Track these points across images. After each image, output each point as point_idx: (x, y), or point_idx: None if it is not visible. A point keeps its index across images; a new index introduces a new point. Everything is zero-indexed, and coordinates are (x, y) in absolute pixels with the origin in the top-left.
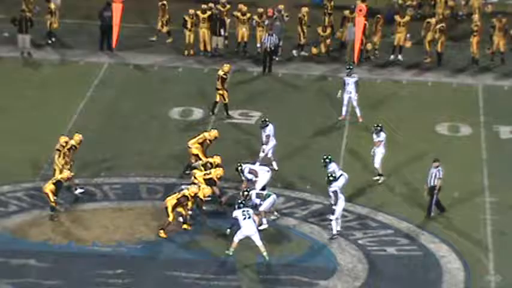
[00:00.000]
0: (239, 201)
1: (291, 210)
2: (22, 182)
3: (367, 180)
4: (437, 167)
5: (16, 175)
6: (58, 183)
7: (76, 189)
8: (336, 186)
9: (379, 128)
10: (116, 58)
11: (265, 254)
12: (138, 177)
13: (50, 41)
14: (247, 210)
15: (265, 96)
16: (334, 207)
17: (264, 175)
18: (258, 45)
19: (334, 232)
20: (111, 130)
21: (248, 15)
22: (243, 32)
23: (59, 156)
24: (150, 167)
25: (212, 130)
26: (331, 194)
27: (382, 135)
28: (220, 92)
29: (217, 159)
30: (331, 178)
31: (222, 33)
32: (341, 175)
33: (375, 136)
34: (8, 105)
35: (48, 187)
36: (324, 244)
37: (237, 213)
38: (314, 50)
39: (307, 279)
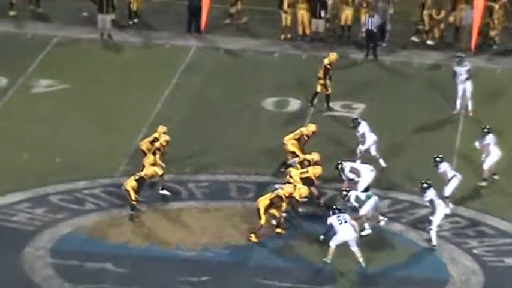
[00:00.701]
0: (334, 206)
1: (398, 215)
2: (99, 177)
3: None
4: None
5: (93, 170)
6: (141, 180)
7: (162, 188)
8: (430, 195)
9: (486, 130)
10: (205, 41)
11: (361, 260)
12: (227, 174)
13: (132, 22)
14: (343, 215)
15: (370, 87)
16: (431, 217)
17: (367, 174)
18: (362, 29)
19: (434, 243)
20: (198, 121)
21: None
22: (346, 14)
23: (149, 151)
24: (240, 163)
25: (310, 124)
26: (427, 203)
27: (489, 138)
28: (322, 81)
29: (315, 156)
30: (424, 186)
31: (323, 15)
32: (453, 176)
33: (477, 144)
34: (85, 91)
35: (130, 184)
36: (434, 253)
37: (332, 220)
38: (425, 36)
39: None
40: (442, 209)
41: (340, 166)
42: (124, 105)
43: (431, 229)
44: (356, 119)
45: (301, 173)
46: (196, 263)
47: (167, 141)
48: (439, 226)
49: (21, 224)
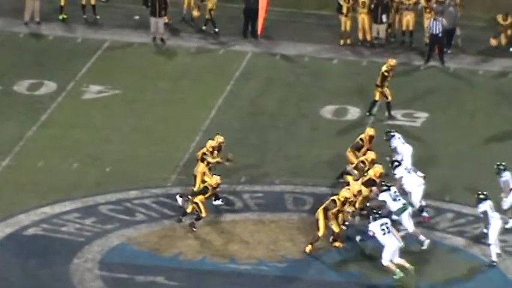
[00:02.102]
0: (375, 211)
1: (461, 229)
2: (151, 187)
3: None
4: None
5: (144, 179)
6: (205, 190)
7: (216, 199)
8: (485, 207)
9: (502, 167)
10: (261, 47)
11: (408, 265)
12: (283, 185)
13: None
14: (386, 223)
15: (433, 95)
16: (485, 230)
17: (417, 189)
18: (426, 33)
19: (494, 259)
20: (254, 130)
21: None
22: (407, 19)
23: (202, 162)
24: (297, 174)
25: (369, 128)
26: (480, 215)
27: (507, 175)
28: (380, 89)
29: (371, 155)
30: (481, 197)
31: (384, 19)
32: None
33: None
34: (136, 98)
35: (198, 197)
36: (500, 270)
37: (375, 228)
38: (493, 42)
39: None
40: (498, 223)
41: (392, 164)
42: (177, 113)
43: (490, 244)
44: (390, 131)
45: (362, 178)
46: (250, 278)
47: (212, 147)
48: (504, 241)
49: (70, 234)
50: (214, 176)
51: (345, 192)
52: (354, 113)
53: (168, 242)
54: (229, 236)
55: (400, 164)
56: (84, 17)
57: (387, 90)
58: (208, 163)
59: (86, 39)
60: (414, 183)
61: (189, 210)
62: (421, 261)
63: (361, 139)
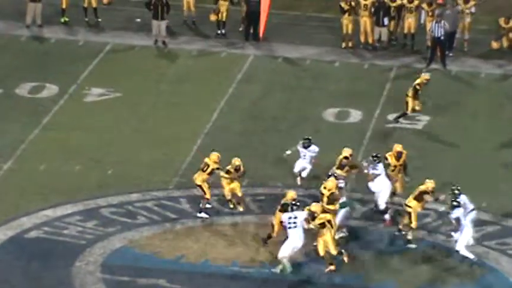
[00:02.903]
0: (288, 202)
1: None
2: (153, 190)
3: None
4: None
5: (146, 182)
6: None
7: (201, 211)
8: (458, 212)
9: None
10: (263, 49)
11: (280, 266)
12: (285, 188)
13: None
14: (295, 217)
15: (435, 98)
16: (454, 235)
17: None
18: (427, 37)
19: (471, 257)
20: (255, 132)
21: (416, 2)
22: (409, 22)
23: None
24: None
25: (396, 145)
26: (452, 220)
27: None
28: (411, 101)
29: (348, 151)
30: (454, 203)
31: (386, 22)
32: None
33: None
34: (138, 101)
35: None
36: (502, 272)
37: (284, 217)
38: (495, 45)
39: None
40: (469, 231)
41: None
42: (178, 115)
43: (457, 251)
44: (309, 139)
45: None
46: (253, 281)
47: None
48: (506, 244)
49: (72, 237)
50: (290, 190)
51: (313, 206)
52: (355, 115)
53: (170, 245)
54: (231, 239)
55: (380, 161)
56: (86, 20)
57: (411, 101)
58: (211, 173)
59: (88, 42)
60: (383, 184)
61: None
62: (423, 264)
63: (385, 157)
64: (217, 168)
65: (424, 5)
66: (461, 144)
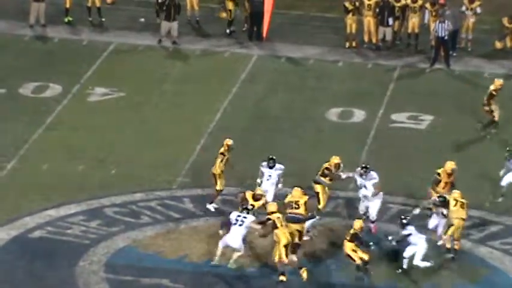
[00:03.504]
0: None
1: (466, 231)
2: (156, 189)
3: None
4: None
5: (149, 182)
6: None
7: (211, 202)
8: (410, 230)
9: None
10: (266, 49)
11: (231, 261)
12: (287, 187)
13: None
14: (244, 217)
15: (438, 97)
16: (394, 243)
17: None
18: (431, 37)
19: (427, 264)
20: (258, 132)
21: (420, 2)
22: (413, 21)
23: (221, 161)
24: (302, 176)
25: (449, 163)
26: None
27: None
28: (487, 108)
29: (335, 159)
30: (404, 221)
31: (391, 22)
32: None
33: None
34: (141, 100)
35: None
36: (504, 272)
37: (233, 215)
38: (498, 45)
39: None
40: (423, 243)
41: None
42: (182, 115)
43: (417, 266)
44: (273, 159)
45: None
46: (255, 279)
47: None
48: (509, 243)
49: (76, 237)
50: (357, 220)
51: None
52: (359, 115)
53: (173, 245)
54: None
55: (370, 171)
56: (89, 20)
57: (494, 108)
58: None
59: (92, 42)
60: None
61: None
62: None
63: (438, 173)
64: (222, 153)
65: (428, 5)
66: (465, 144)
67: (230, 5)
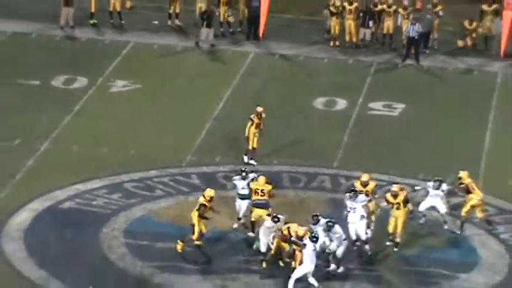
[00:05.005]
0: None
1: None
2: (169, 167)
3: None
4: None
5: (162, 161)
6: None
7: (251, 158)
8: (317, 228)
9: (353, 193)
10: (262, 48)
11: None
12: (281, 165)
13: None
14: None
15: (409, 89)
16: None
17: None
18: (403, 36)
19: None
20: None
21: (394, 7)
22: (388, 24)
23: (251, 125)
24: (293, 156)
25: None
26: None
27: (361, 199)
28: None
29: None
30: (313, 238)
31: (371, 25)
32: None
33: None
34: (155, 91)
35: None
36: (465, 238)
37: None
38: (460, 44)
39: (448, 272)
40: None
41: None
42: (190, 104)
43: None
44: (355, 190)
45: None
46: (251, 243)
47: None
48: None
49: (100, 207)
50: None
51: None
52: (341, 104)
53: (183, 214)
54: (234, 209)
55: (358, 194)
56: (111, 22)
57: None
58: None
59: (113, 41)
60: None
61: None
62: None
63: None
64: (251, 119)
65: (401, 10)
66: (432, 128)
67: (223, 11)
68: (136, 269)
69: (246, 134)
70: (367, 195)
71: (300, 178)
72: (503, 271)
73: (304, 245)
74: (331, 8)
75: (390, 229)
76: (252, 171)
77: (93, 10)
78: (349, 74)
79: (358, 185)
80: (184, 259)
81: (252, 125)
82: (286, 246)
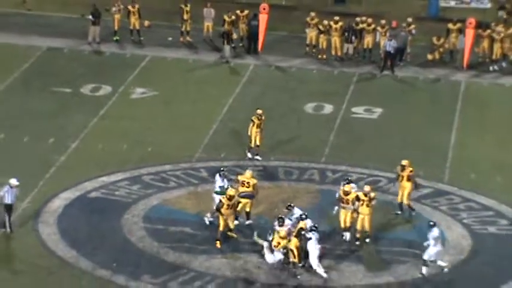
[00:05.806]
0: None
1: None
2: (181, 162)
3: (474, 170)
4: None
5: (176, 157)
6: None
7: (257, 154)
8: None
9: (290, 208)
10: (261, 60)
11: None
12: (277, 161)
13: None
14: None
15: (386, 95)
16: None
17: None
18: (381, 50)
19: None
20: None
21: (373, 26)
22: (368, 40)
23: (252, 125)
24: (287, 153)
25: None
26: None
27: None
28: None
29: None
30: (314, 228)
31: (354, 40)
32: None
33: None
34: (170, 97)
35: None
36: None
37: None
38: (430, 57)
39: (418, 251)
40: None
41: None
42: (200, 108)
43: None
44: (291, 205)
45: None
46: (254, 228)
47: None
48: (438, 202)
49: (122, 197)
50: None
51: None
52: (328, 108)
53: (193, 203)
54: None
55: (304, 219)
56: (131, 39)
57: None
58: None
59: (133, 55)
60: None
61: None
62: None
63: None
64: (252, 120)
65: (379, 28)
66: (405, 128)
67: (228, 28)
68: (153, 249)
69: (249, 133)
70: (347, 203)
71: (292, 171)
72: (465, 251)
73: (309, 238)
74: (320, 27)
75: (358, 226)
76: (230, 179)
77: (116, 28)
78: (335, 83)
79: (341, 193)
80: (194, 241)
81: (253, 125)
82: (283, 240)
